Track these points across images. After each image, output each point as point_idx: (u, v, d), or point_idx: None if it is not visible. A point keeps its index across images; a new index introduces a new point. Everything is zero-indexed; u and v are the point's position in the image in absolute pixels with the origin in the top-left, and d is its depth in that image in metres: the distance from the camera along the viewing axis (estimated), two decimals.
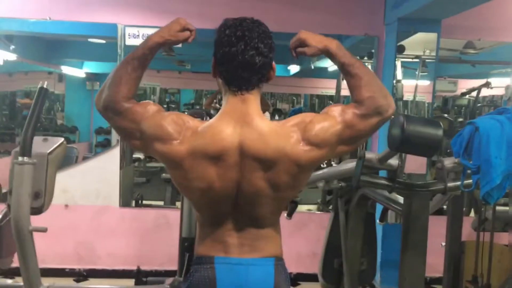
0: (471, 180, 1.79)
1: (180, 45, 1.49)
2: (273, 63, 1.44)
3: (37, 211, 1.96)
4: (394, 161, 2.11)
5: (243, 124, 1.37)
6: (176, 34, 1.42)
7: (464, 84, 6.08)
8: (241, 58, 1.36)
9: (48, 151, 1.96)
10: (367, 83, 1.41)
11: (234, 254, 1.43)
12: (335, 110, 1.42)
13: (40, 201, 1.94)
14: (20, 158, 1.86)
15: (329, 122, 1.39)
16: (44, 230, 1.88)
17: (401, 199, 2.15)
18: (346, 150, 1.47)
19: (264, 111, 1.47)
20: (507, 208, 2.67)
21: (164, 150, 1.37)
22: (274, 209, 1.45)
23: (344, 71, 1.44)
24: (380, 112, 1.41)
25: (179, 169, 1.38)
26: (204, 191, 1.39)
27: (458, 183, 1.88)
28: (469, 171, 1.80)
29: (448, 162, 2.02)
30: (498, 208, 2.62)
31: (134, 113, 1.39)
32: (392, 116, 1.53)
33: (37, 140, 1.95)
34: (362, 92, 1.40)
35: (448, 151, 1.94)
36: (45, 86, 1.89)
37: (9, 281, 2.22)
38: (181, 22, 1.43)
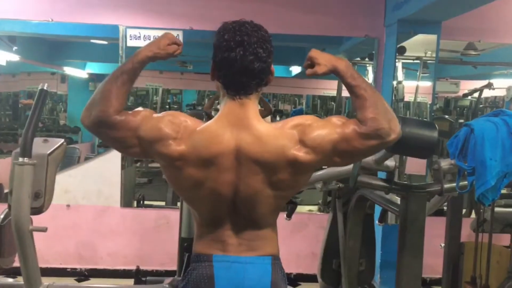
0: (466, 182, 1.80)
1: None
2: (272, 67, 1.44)
3: (37, 211, 1.98)
4: (390, 163, 2.12)
5: (240, 127, 1.38)
6: (165, 48, 1.44)
7: (466, 85, 6.07)
8: (239, 63, 1.36)
9: (48, 152, 1.99)
10: (372, 105, 1.38)
11: (232, 253, 1.45)
12: (337, 120, 1.42)
13: (40, 201, 1.96)
14: (20, 159, 1.88)
15: (327, 130, 1.40)
16: (44, 230, 1.91)
17: (398, 200, 2.16)
18: (341, 163, 1.46)
19: (265, 116, 1.48)
20: (505, 209, 2.68)
21: (164, 151, 1.38)
22: (272, 210, 1.47)
23: (351, 91, 1.42)
24: (381, 135, 1.38)
25: (175, 168, 1.39)
26: (197, 192, 1.40)
27: (454, 184, 1.89)
28: (465, 173, 1.81)
29: (445, 163, 2.02)
30: (497, 209, 2.62)
31: (128, 122, 1.39)
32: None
33: (37, 141, 1.97)
34: (366, 113, 1.37)
35: None
36: (45, 88, 1.92)
37: (10, 280, 2.25)
38: (169, 36, 1.46)
